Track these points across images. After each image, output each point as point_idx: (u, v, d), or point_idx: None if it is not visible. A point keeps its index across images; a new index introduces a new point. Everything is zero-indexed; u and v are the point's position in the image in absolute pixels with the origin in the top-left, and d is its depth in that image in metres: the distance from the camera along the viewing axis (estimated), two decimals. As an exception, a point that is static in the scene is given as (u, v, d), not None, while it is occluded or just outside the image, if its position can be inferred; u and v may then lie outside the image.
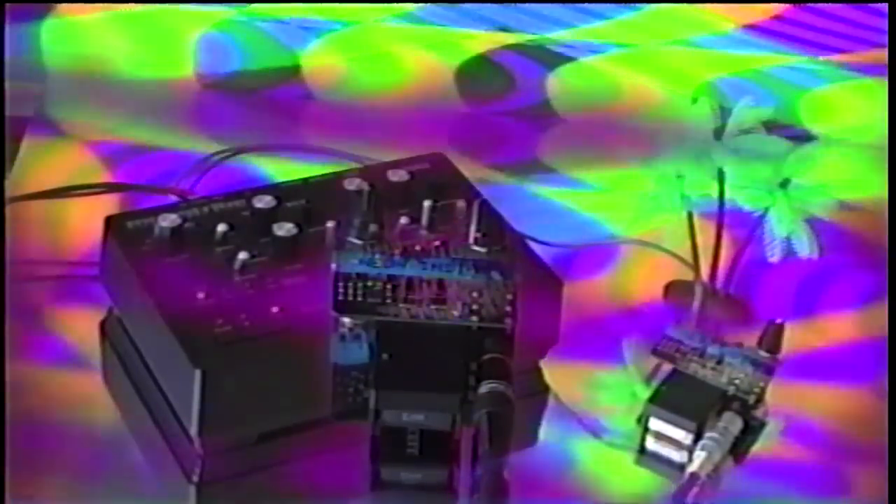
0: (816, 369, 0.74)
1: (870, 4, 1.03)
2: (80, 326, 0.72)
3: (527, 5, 1.03)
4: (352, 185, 0.70)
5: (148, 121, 0.92)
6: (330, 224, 0.67)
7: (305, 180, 0.71)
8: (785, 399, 0.66)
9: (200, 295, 0.63)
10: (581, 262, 0.80)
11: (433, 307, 0.57)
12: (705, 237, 0.71)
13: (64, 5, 0.99)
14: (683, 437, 0.62)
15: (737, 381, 0.64)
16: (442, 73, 0.98)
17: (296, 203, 0.69)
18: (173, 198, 0.78)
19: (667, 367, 0.65)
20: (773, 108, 0.70)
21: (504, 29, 0.95)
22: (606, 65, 1.00)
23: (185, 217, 0.67)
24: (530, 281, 0.61)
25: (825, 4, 1.05)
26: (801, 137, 0.89)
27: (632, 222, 0.82)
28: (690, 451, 0.61)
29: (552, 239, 0.78)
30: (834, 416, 0.72)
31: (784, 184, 0.69)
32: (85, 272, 0.74)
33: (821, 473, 0.69)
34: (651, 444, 0.63)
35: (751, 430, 0.62)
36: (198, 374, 0.60)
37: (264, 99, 0.96)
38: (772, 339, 0.66)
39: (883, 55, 0.99)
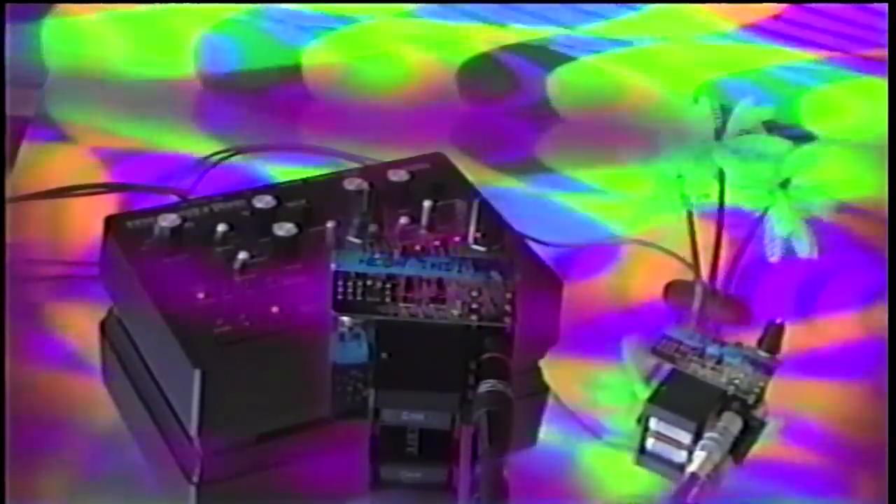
0: (816, 369, 0.74)
1: (870, 4, 1.03)
2: (80, 326, 0.72)
3: (527, 5, 1.03)
4: (352, 185, 0.70)
5: (148, 121, 0.92)
6: (330, 224, 0.67)
7: (305, 180, 0.71)
8: (785, 399, 0.66)
9: (200, 295, 0.63)
10: (581, 262, 0.80)
11: (432, 306, 0.57)
12: (705, 237, 0.71)
13: (64, 5, 0.99)
14: (683, 437, 0.62)
15: (736, 381, 0.64)
16: (442, 73, 0.98)
17: (296, 203, 0.69)
18: (173, 198, 0.78)
19: (667, 367, 0.65)
20: (773, 108, 0.70)
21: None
22: (606, 65, 1.00)
23: (185, 217, 0.67)
24: (530, 281, 0.61)
25: (825, 4, 1.06)
26: (801, 137, 0.89)
27: (632, 222, 0.82)
28: (690, 451, 0.61)
29: (552, 239, 0.78)
30: (834, 416, 0.72)
31: (784, 184, 0.69)
32: (85, 272, 0.74)
33: (820, 473, 0.69)
34: (651, 444, 0.63)
35: (751, 430, 0.62)
36: (198, 374, 0.60)
37: (264, 99, 0.96)
38: (772, 339, 0.66)
39: (883, 55, 0.99)
